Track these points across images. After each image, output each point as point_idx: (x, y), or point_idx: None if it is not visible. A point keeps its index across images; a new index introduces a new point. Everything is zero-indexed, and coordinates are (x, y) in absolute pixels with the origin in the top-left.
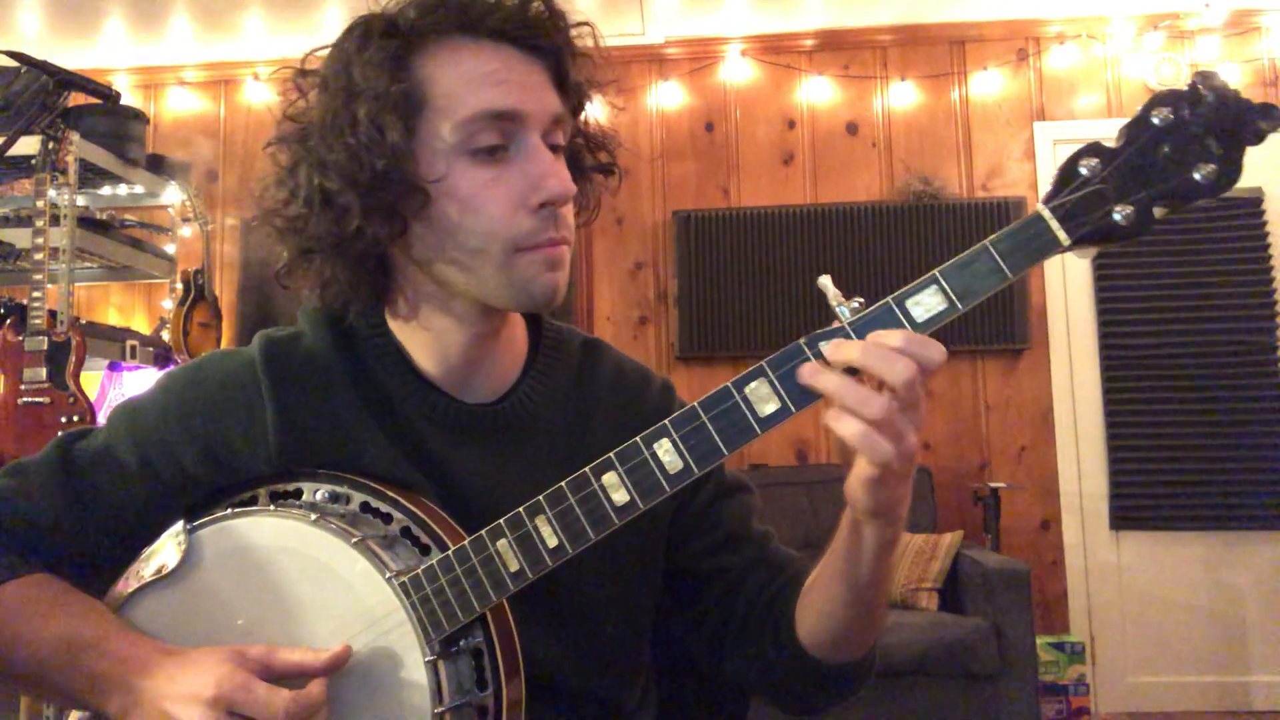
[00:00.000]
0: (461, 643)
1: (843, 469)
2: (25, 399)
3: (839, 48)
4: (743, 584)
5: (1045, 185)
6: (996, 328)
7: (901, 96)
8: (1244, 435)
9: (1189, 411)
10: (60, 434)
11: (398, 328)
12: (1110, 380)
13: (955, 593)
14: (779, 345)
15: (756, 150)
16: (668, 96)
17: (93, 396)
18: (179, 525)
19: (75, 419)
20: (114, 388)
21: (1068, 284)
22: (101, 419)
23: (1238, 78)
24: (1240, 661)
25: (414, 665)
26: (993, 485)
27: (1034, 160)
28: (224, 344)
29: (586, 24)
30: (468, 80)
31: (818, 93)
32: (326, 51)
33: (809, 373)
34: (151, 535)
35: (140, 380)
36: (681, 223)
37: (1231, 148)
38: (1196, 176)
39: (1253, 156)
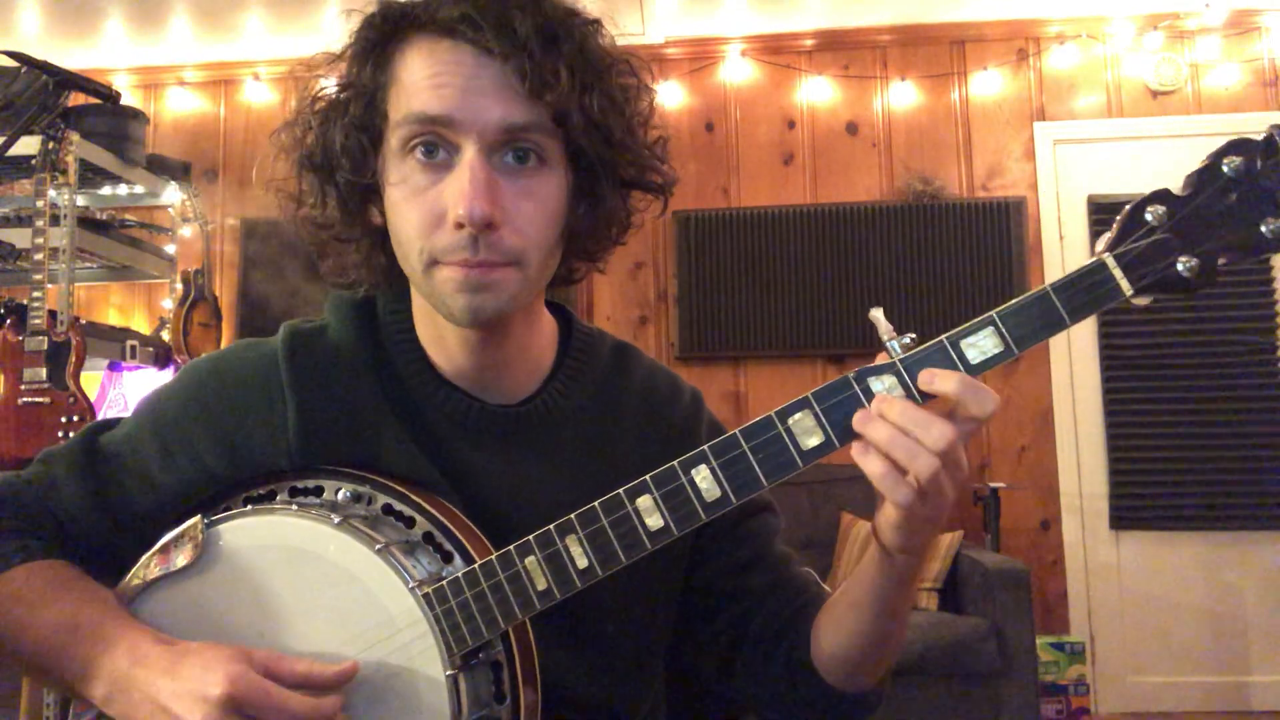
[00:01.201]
0: (481, 655)
1: (874, 506)
2: (25, 399)
3: (839, 48)
4: (760, 606)
5: (1045, 185)
6: None
7: (901, 96)
8: (1244, 435)
9: (1189, 411)
10: (89, 423)
11: (417, 322)
12: (1110, 380)
13: (955, 593)
14: (779, 345)
15: (756, 150)
16: (668, 96)
17: (93, 396)
18: (196, 519)
19: (75, 419)
20: (114, 388)
21: None
22: (101, 419)
23: (1238, 77)
24: (1240, 661)
25: (434, 678)
26: (992, 485)
27: (1034, 160)
28: (223, 344)
29: (595, 22)
30: (411, 82)
31: (817, 93)
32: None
33: (860, 420)
34: (169, 527)
35: (140, 380)
36: (681, 223)
37: None
38: (1264, 230)
39: None
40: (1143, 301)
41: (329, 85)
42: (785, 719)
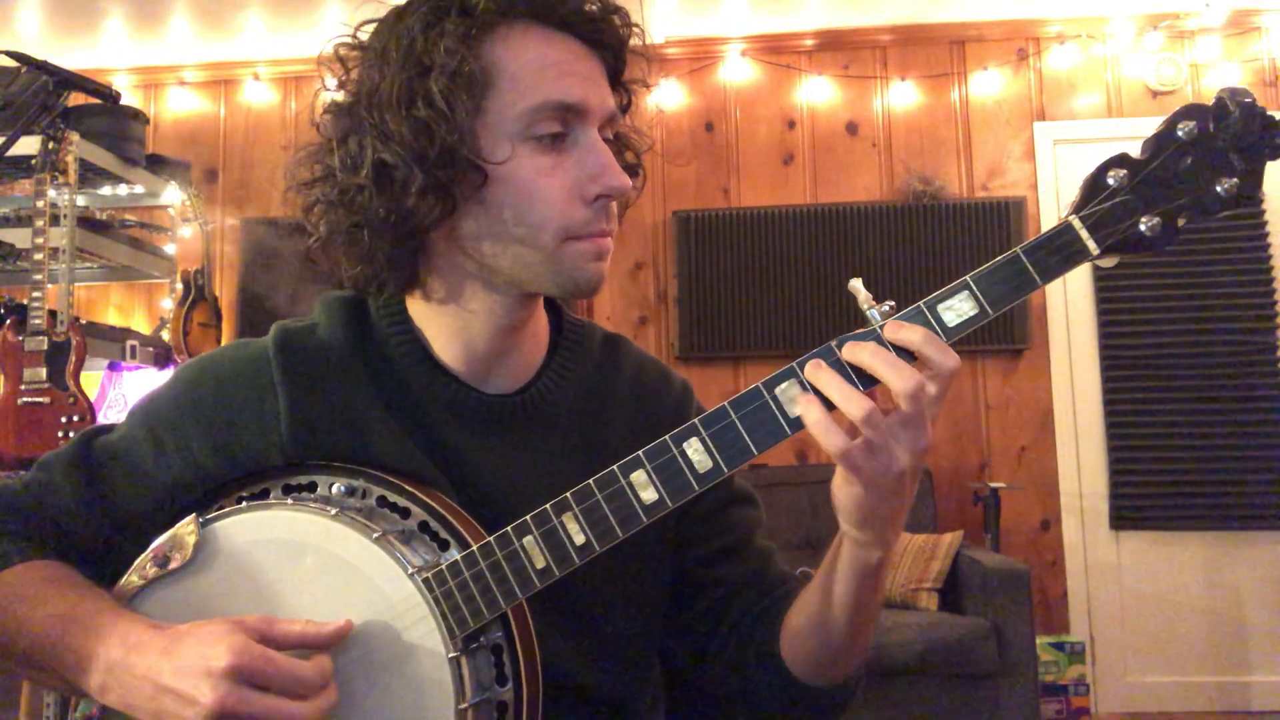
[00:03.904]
0: (481, 639)
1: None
2: (25, 399)
3: (839, 48)
4: (736, 597)
5: (1045, 185)
6: (996, 328)
7: (901, 96)
8: (1244, 435)
9: (1189, 411)
10: (85, 429)
11: (421, 316)
12: (1110, 380)
13: (955, 593)
14: (779, 345)
15: (756, 150)
16: (668, 96)
17: (93, 396)
18: (191, 518)
19: (75, 419)
20: (114, 388)
21: (1068, 284)
22: (101, 419)
23: (1238, 78)
24: (1240, 661)
25: (436, 661)
26: (993, 485)
27: (1034, 160)
28: (224, 344)
29: (638, 26)
30: (536, 68)
31: (818, 93)
32: (374, 26)
33: (811, 369)
34: (165, 528)
35: (140, 380)
36: (681, 223)
37: (1253, 162)
38: (1219, 189)
39: None
40: (1109, 262)
41: (430, 67)
42: (752, 711)
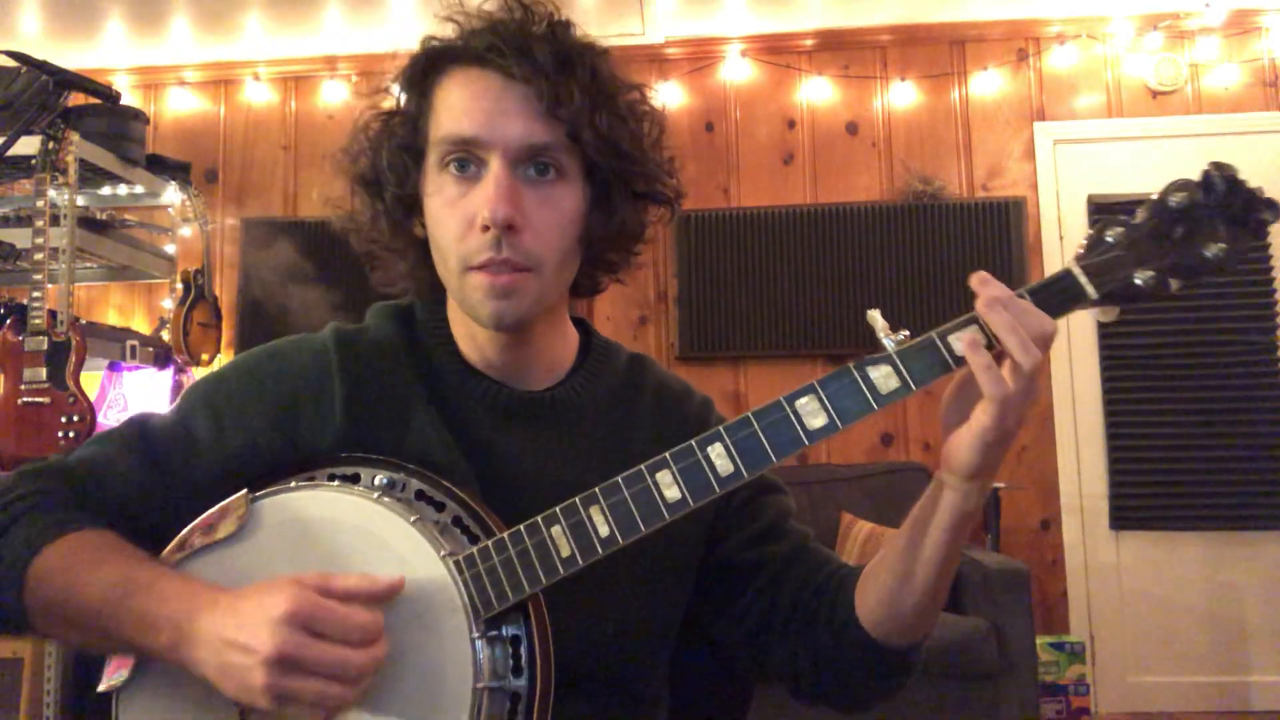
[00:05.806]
0: (502, 629)
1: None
2: (25, 399)
3: (839, 48)
4: (787, 574)
5: (1045, 185)
6: None
7: (901, 96)
8: (1244, 435)
9: (1189, 411)
10: (135, 414)
11: (452, 321)
12: (1110, 380)
13: (955, 592)
14: (779, 345)
15: (756, 150)
16: (668, 96)
17: (93, 396)
18: (242, 493)
19: (75, 419)
20: (114, 388)
21: None
22: (101, 419)
23: (1237, 77)
24: (1240, 661)
25: (460, 640)
26: (993, 485)
27: (1034, 160)
28: (224, 344)
29: (605, 51)
30: (448, 106)
31: (818, 93)
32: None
33: (986, 309)
34: (214, 503)
35: (140, 380)
36: (681, 223)
37: (1238, 234)
38: (1207, 254)
39: None
40: (1109, 315)
41: (379, 113)
42: (826, 687)
